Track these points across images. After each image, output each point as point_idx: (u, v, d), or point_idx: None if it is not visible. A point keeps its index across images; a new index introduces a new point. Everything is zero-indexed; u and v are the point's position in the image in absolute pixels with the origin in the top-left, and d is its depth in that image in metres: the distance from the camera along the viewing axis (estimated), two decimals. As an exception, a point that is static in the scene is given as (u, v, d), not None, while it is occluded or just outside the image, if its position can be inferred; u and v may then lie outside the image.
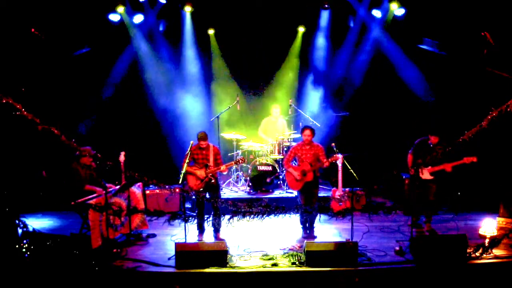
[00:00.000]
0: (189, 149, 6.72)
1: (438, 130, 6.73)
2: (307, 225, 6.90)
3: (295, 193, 8.51)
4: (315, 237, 6.81)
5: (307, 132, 6.72)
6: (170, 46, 9.88)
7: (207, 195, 6.62)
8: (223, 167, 6.70)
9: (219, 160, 6.79)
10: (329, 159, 6.61)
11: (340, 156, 6.75)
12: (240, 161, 7.05)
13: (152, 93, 9.81)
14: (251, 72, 10.13)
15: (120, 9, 8.68)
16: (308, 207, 6.42)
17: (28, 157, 8.05)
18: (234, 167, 9.23)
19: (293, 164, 7.01)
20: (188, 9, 9.21)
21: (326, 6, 9.30)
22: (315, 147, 6.79)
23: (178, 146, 9.58)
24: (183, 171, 6.51)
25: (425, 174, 6.78)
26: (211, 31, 9.88)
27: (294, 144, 9.13)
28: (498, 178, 7.74)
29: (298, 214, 6.86)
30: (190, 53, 9.93)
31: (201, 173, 6.66)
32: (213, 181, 6.68)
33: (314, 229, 6.92)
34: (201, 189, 6.58)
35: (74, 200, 6.36)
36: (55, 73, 8.54)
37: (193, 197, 6.35)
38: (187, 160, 6.61)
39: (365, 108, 9.99)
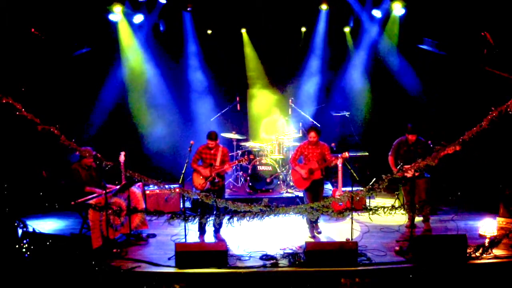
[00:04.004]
0: (189, 149, 6.73)
1: (415, 128, 6.82)
2: (313, 223, 6.90)
3: (296, 193, 8.57)
4: (320, 232, 6.91)
5: (313, 134, 6.78)
6: (171, 46, 9.89)
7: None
8: (226, 166, 6.71)
9: (226, 161, 6.77)
10: (339, 157, 6.71)
11: (347, 154, 6.82)
12: (244, 160, 7.05)
13: (152, 93, 9.84)
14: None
15: (118, 8, 8.65)
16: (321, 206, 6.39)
17: (28, 157, 8.04)
18: (234, 167, 9.24)
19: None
20: (189, 9, 9.20)
21: (325, 6, 9.30)
22: (321, 146, 6.88)
23: (178, 145, 9.60)
24: (183, 171, 6.52)
25: (410, 172, 6.76)
26: (208, 31, 9.92)
27: (294, 144, 9.17)
28: (498, 178, 7.73)
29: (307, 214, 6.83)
30: (190, 53, 9.95)
31: (205, 172, 6.66)
32: (217, 180, 6.67)
33: (318, 223, 7.02)
34: (205, 188, 6.58)
35: (74, 200, 6.35)
36: (55, 73, 8.53)
37: (194, 197, 6.34)
38: (188, 160, 6.64)
39: (365, 108, 10.01)
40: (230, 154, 9.09)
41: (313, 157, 6.82)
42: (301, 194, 8.48)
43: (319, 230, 6.96)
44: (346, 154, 6.76)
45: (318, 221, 7.02)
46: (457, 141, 5.77)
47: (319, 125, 8.74)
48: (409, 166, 6.27)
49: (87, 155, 6.27)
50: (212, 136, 6.67)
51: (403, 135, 7.00)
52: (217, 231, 6.74)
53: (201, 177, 6.68)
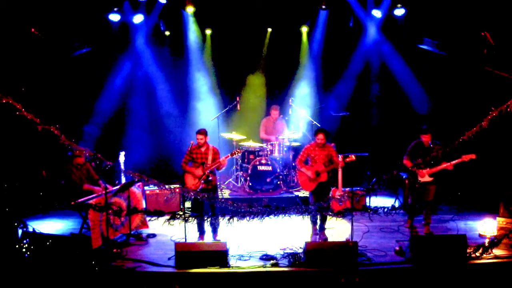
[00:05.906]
0: (189, 148, 6.73)
1: (428, 128, 6.76)
2: (317, 226, 6.83)
3: (296, 193, 8.57)
4: (325, 239, 6.73)
5: (321, 136, 6.71)
6: (171, 46, 9.89)
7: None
8: (222, 159, 6.70)
9: (217, 159, 6.79)
10: (345, 160, 6.68)
11: (354, 157, 6.81)
12: (236, 153, 7.04)
13: (152, 93, 9.84)
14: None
15: (118, 8, 8.65)
16: (321, 206, 6.35)
17: (28, 157, 8.04)
18: (234, 167, 9.25)
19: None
20: (189, 9, 9.20)
21: (324, 6, 9.30)
22: (328, 147, 6.83)
23: (178, 146, 9.59)
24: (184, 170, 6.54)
25: (425, 177, 6.78)
26: (208, 31, 9.92)
27: (294, 144, 9.17)
28: (498, 178, 7.73)
29: (309, 215, 6.79)
30: (190, 52, 9.95)
31: (198, 171, 6.66)
32: (210, 178, 6.67)
33: (325, 230, 6.84)
34: (199, 189, 6.57)
35: (74, 200, 6.36)
36: (55, 73, 8.53)
37: (192, 197, 6.35)
38: (184, 160, 6.66)
39: (365, 109, 10.00)
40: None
41: (320, 159, 6.72)
42: (301, 194, 8.50)
43: (325, 237, 6.78)
44: (353, 157, 6.74)
45: (325, 227, 6.87)
46: (460, 139, 5.78)
47: (319, 125, 8.73)
48: (425, 170, 6.32)
49: (80, 155, 6.27)
50: (201, 131, 6.70)
51: (410, 134, 6.97)
52: (215, 231, 6.73)
53: (194, 177, 6.68)
